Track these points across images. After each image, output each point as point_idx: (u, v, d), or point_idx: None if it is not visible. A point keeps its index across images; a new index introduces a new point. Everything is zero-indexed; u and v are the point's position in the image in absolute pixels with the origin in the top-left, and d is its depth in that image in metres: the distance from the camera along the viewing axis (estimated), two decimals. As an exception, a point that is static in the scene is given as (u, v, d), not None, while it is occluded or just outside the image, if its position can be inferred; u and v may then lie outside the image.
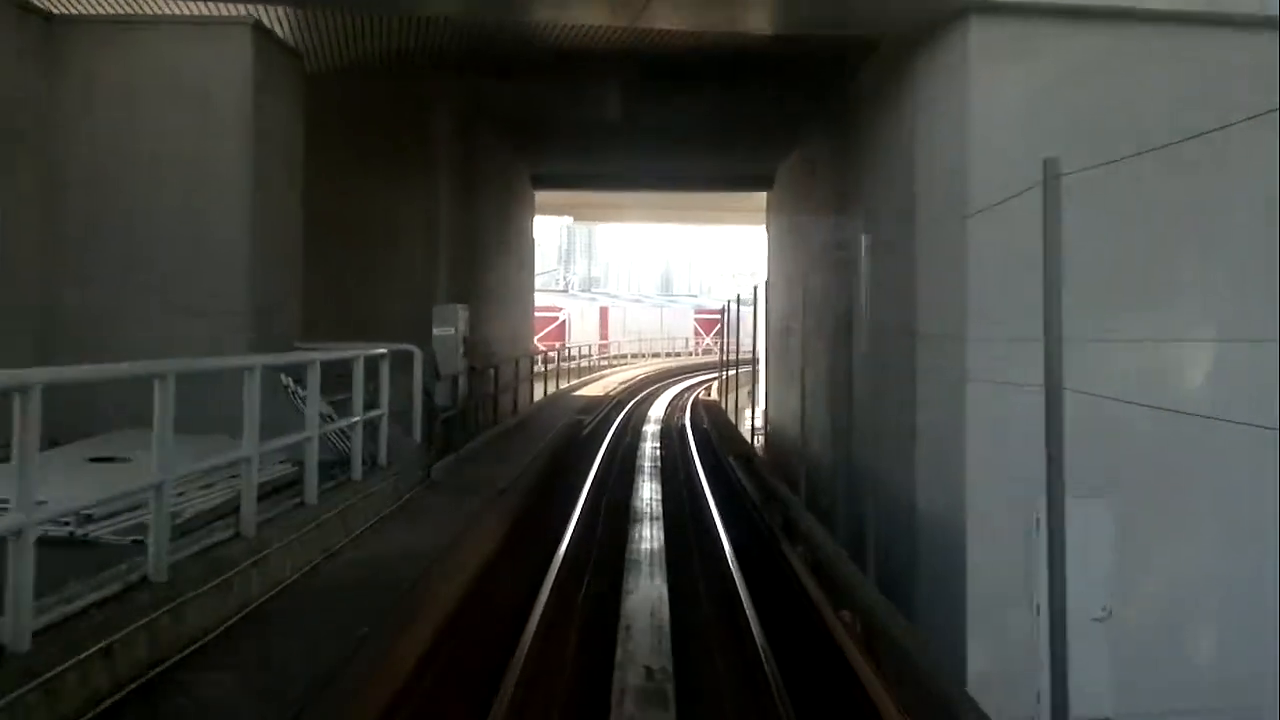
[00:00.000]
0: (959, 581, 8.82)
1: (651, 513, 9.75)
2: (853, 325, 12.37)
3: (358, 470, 7.53)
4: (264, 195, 8.81)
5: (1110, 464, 8.83)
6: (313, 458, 6.51)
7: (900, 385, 10.07)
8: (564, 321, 45.20)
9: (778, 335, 18.39)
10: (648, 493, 10.95)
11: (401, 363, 9.67)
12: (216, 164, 8.55)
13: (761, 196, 24.56)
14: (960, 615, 8.89)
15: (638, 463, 13.44)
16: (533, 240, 21.22)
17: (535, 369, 21.88)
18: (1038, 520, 8.97)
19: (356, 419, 7.53)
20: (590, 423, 17.36)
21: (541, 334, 43.03)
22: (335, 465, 7.71)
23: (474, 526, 7.79)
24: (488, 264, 15.94)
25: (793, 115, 14.14)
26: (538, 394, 21.68)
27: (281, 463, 7.21)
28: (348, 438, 7.94)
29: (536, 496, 10.45)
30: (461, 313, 11.76)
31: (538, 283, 59.31)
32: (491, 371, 13.85)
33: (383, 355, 8.31)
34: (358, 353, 7.68)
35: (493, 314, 16.11)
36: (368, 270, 12.90)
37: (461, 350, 11.81)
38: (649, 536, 8.65)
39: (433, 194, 13.16)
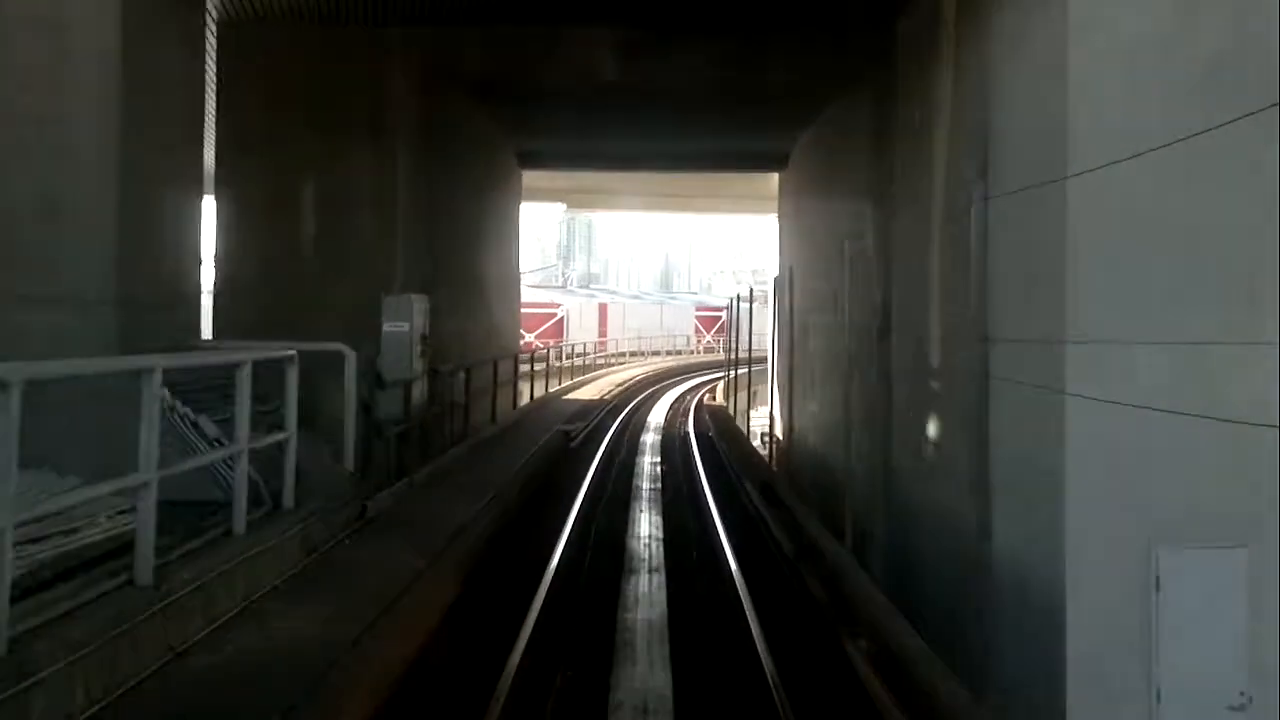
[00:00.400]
0: (1054, 652, 6.71)
1: (650, 560, 7.64)
2: (892, 326, 10.26)
3: (240, 520, 5.41)
4: (139, 157, 6.71)
5: (1254, 505, 6.74)
6: (147, 512, 4.38)
7: (964, 398, 7.95)
8: (562, 318, 44.56)
9: (794, 333, 16.27)
10: (646, 528, 8.83)
11: (332, 368, 7.60)
12: (72, 112, 6.44)
13: (772, 181, 22.49)
14: (1057, 696, 6.80)
15: (634, 485, 11.32)
16: (519, 225, 19.08)
17: (524, 369, 19.77)
18: (1157, 578, 6.90)
19: (238, 447, 5.41)
20: (581, 433, 15.24)
21: (539, 331, 42.01)
22: (223, 509, 5.63)
23: (410, 593, 5.69)
24: (462, 249, 13.82)
25: (817, 71, 12.01)
26: (526, 397, 19.57)
27: (123, 511, 5.11)
28: (246, 468, 5.91)
29: (504, 538, 8.33)
30: (418, 304, 9.64)
31: (535, 279, 58.13)
32: (461, 375, 11.70)
33: (289, 358, 6.20)
34: (243, 357, 5.55)
35: (468, 307, 14.00)
36: (308, 255, 10.81)
37: (419, 350, 9.69)
38: (647, 599, 6.54)
39: (388, 165, 11.03)
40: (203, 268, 7.56)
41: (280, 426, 6.24)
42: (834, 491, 10.69)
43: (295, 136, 10.71)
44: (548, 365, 21.94)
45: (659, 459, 13.68)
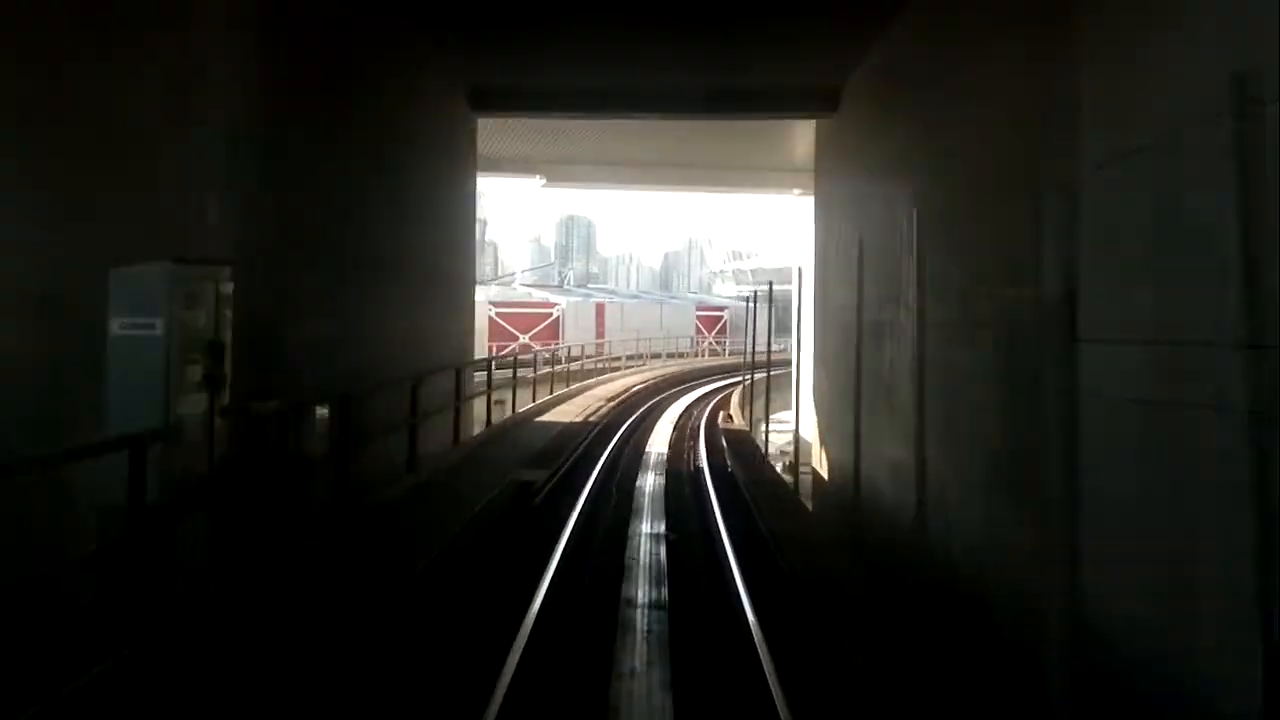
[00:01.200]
0: None
1: None
2: (1078, 323, 5.60)
3: None
4: None
5: None
6: None
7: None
8: (558, 318, 42.32)
9: (852, 333, 11.61)
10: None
11: None
12: None
13: (799, 147, 17.96)
14: None
15: (625, 598, 6.63)
16: (474, 194, 14.41)
17: (487, 376, 15.12)
18: None
19: None
20: (549, 482, 10.54)
21: (534, 331, 39.86)
22: None
23: None
24: (359, 216, 9.15)
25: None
26: (486, 419, 14.90)
27: None
28: None
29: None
30: (207, 286, 4.99)
31: (532, 278, 55.40)
32: (320, 412, 6.95)
33: None
34: None
35: (369, 301, 9.35)
36: (48, 200, 6.18)
37: (203, 371, 5.05)
38: None
39: (199, 58, 6.38)
40: None
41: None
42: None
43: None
44: (515, 376, 17.21)
45: (664, 527, 9.00)
